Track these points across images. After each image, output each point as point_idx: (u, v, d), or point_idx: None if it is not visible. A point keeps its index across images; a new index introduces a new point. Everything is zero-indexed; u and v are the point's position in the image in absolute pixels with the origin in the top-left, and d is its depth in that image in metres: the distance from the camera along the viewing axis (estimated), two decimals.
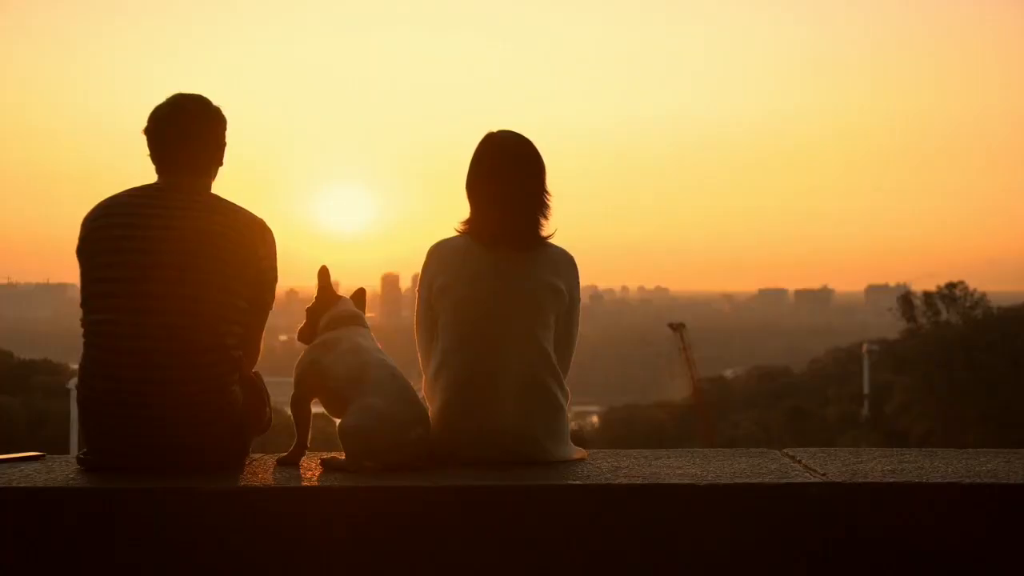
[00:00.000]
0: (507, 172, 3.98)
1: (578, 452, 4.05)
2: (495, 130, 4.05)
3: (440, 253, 4.00)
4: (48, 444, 29.61)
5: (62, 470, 3.82)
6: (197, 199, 3.83)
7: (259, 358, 4.00)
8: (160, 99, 3.88)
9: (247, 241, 3.82)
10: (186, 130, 3.86)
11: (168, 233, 3.75)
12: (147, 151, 3.90)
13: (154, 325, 3.71)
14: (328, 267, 4.05)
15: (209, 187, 3.92)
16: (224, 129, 3.96)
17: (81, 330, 3.82)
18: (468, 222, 4.00)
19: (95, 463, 3.80)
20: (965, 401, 48.52)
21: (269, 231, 3.90)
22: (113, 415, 3.73)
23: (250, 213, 3.90)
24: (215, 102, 3.93)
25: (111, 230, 3.79)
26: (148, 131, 3.87)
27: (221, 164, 3.97)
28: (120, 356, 3.73)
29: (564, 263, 4.03)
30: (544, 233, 4.00)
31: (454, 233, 4.02)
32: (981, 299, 56.06)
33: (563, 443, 4.00)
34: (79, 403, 3.84)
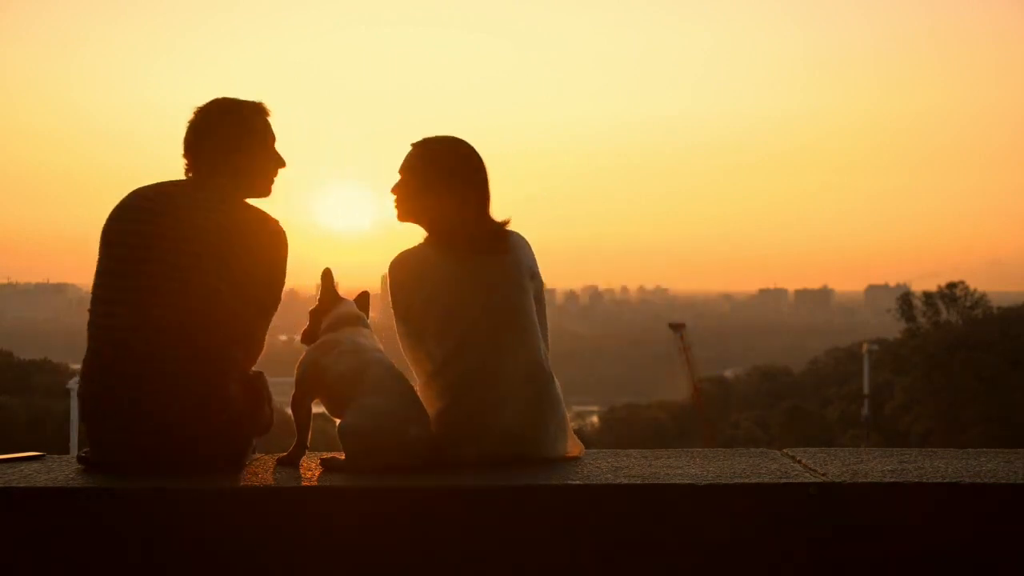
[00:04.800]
0: (477, 179, 3.99)
1: (576, 446, 4.05)
2: (428, 136, 4.03)
3: (414, 266, 3.96)
4: (48, 444, 29.57)
5: (62, 470, 3.82)
6: (203, 196, 3.85)
7: (260, 357, 4.00)
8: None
9: (245, 236, 3.82)
10: (197, 129, 3.92)
11: (165, 231, 3.77)
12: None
13: (152, 320, 3.72)
14: (330, 269, 4.06)
15: (220, 184, 3.90)
16: (238, 126, 3.94)
17: (86, 326, 3.83)
18: (439, 232, 3.97)
19: (95, 462, 3.81)
20: (965, 401, 48.53)
21: (274, 227, 3.88)
22: (113, 412, 3.74)
23: (256, 210, 3.91)
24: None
25: (122, 224, 3.83)
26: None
27: (245, 155, 3.94)
28: (119, 351, 3.75)
29: (524, 244, 4.05)
30: (506, 228, 4.01)
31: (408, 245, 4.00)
32: (981, 299, 56.09)
33: (563, 435, 4.01)
34: (80, 399, 3.86)
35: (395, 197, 4.04)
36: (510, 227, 4.02)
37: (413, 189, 4.00)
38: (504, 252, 3.96)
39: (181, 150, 3.95)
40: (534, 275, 4.03)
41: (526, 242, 4.06)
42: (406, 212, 4.03)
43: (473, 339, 3.90)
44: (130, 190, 3.93)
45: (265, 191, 4.02)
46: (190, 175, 3.94)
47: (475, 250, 3.94)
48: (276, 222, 3.90)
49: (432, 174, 3.97)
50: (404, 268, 3.97)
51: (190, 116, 3.96)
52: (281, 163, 4.03)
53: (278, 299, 3.93)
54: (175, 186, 3.90)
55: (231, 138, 3.94)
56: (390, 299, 4.01)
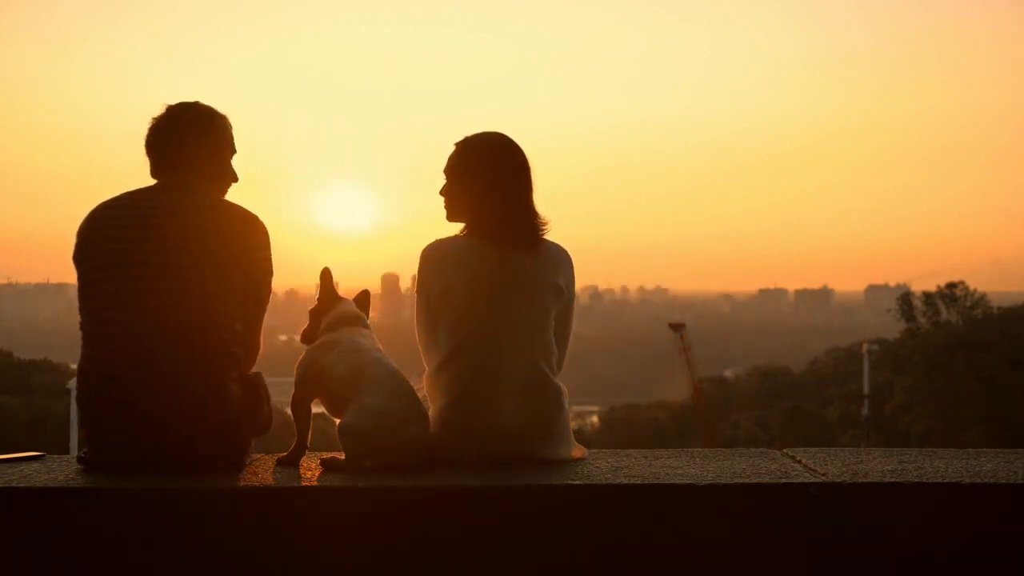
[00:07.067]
0: (509, 171, 3.99)
1: (578, 449, 4.05)
2: (476, 132, 4.05)
3: (437, 256, 3.99)
4: (48, 444, 29.57)
5: (62, 470, 3.82)
6: (186, 198, 3.87)
7: (259, 356, 4.02)
8: (159, 99, 4.03)
9: (239, 235, 3.85)
10: (169, 132, 3.95)
11: (159, 232, 3.78)
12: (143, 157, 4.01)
13: (150, 324, 3.73)
14: (329, 268, 4.07)
15: (199, 185, 3.94)
16: (211, 127, 3.98)
17: (80, 332, 3.84)
18: (470, 224, 4.00)
19: (95, 463, 3.81)
20: (965, 401, 48.49)
21: (260, 223, 3.93)
22: (112, 414, 3.75)
23: (240, 207, 3.94)
24: (216, 104, 4.04)
25: (105, 231, 3.83)
26: (145, 142, 3.98)
27: (219, 161, 4.01)
28: (117, 355, 3.75)
29: (564, 260, 4.05)
30: (543, 229, 4.01)
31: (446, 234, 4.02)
32: (981, 299, 56.05)
33: (564, 443, 4.00)
34: (79, 403, 3.86)
35: (444, 199, 4.06)
36: (555, 239, 4.02)
37: (455, 187, 4.02)
38: (536, 253, 3.96)
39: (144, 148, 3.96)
40: (559, 292, 4.00)
41: (567, 259, 4.05)
42: (454, 212, 4.05)
43: (479, 335, 3.90)
44: (130, 190, 3.94)
45: (225, 194, 4.07)
46: (162, 175, 3.94)
47: (505, 239, 3.94)
48: (260, 218, 3.95)
49: (467, 168, 3.99)
50: (430, 255, 3.99)
51: (153, 122, 3.96)
52: (235, 178, 4.09)
53: (269, 291, 3.99)
54: (151, 191, 3.91)
55: (221, 143, 4.00)
56: (416, 282, 4.04)
